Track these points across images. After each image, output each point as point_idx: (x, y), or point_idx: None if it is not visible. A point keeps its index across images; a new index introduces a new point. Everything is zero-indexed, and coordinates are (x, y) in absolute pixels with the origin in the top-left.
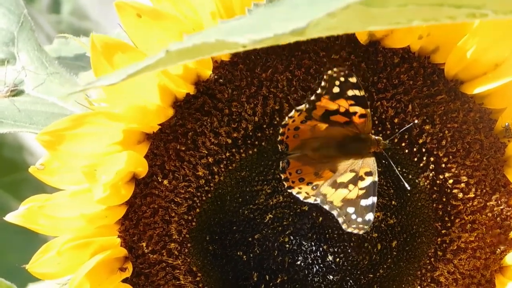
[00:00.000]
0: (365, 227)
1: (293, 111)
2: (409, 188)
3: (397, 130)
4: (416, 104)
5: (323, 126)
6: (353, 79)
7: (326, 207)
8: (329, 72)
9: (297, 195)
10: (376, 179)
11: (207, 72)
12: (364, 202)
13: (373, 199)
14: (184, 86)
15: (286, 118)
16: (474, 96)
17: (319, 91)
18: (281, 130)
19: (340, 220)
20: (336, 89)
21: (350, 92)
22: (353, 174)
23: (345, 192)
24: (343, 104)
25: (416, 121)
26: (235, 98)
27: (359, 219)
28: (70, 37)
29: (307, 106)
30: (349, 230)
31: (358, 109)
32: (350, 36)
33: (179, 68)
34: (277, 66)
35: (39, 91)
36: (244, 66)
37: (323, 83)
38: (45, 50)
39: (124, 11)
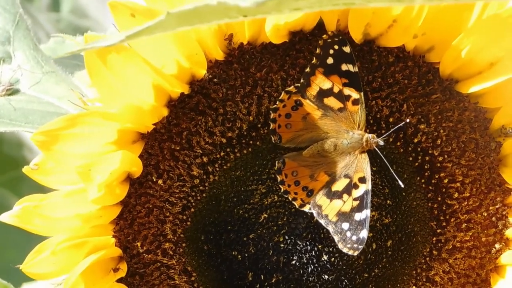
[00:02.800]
0: (359, 247)
1: (283, 93)
2: (403, 186)
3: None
4: (411, 103)
5: (316, 115)
6: (346, 49)
7: (322, 221)
8: (324, 36)
9: (293, 202)
10: (370, 187)
11: (202, 72)
12: (358, 216)
13: (366, 213)
14: (178, 86)
15: (277, 102)
16: (469, 95)
17: (313, 61)
18: (272, 115)
19: (336, 238)
20: (330, 60)
21: (344, 67)
22: (347, 180)
23: (339, 204)
24: (336, 82)
25: (408, 120)
26: (229, 98)
27: (354, 237)
28: (66, 36)
29: (302, 80)
30: (345, 250)
31: (352, 92)
32: (344, 35)
33: (174, 67)
34: (271, 65)
35: (35, 90)
36: (239, 65)
37: (317, 50)
38: (40, 49)
39: (118, 10)
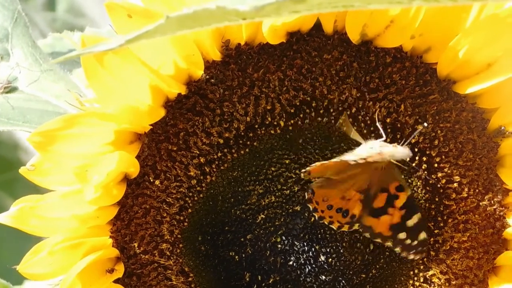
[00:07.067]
0: (424, 249)
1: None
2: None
3: (389, 130)
4: (409, 103)
5: None
6: None
7: (379, 240)
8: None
9: (330, 225)
10: (409, 192)
11: (199, 72)
12: (411, 222)
13: (418, 216)
14: (175, 86)
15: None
16: (466, 95)
17: None
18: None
19: (398, 250)
20: None
21: None
22: (385, 194)
23: (388, 218)
24: None
25: (425, 124)
26: (226, 98)
27: (415, 243)
28: (64, 34)
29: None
30: (411, 257)
31: None
32: (342, 36)
33: (171, 68)
34: (268, 66)
35: (33, 88)
36: (236, 66)
37: None
38: (39, 47)
39: (115, 11)
